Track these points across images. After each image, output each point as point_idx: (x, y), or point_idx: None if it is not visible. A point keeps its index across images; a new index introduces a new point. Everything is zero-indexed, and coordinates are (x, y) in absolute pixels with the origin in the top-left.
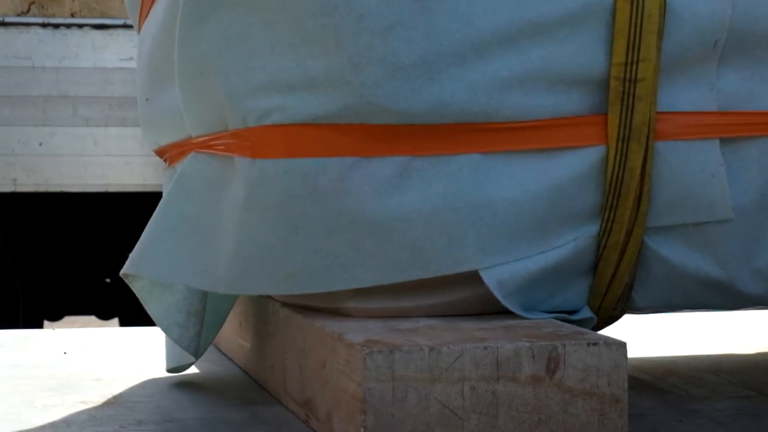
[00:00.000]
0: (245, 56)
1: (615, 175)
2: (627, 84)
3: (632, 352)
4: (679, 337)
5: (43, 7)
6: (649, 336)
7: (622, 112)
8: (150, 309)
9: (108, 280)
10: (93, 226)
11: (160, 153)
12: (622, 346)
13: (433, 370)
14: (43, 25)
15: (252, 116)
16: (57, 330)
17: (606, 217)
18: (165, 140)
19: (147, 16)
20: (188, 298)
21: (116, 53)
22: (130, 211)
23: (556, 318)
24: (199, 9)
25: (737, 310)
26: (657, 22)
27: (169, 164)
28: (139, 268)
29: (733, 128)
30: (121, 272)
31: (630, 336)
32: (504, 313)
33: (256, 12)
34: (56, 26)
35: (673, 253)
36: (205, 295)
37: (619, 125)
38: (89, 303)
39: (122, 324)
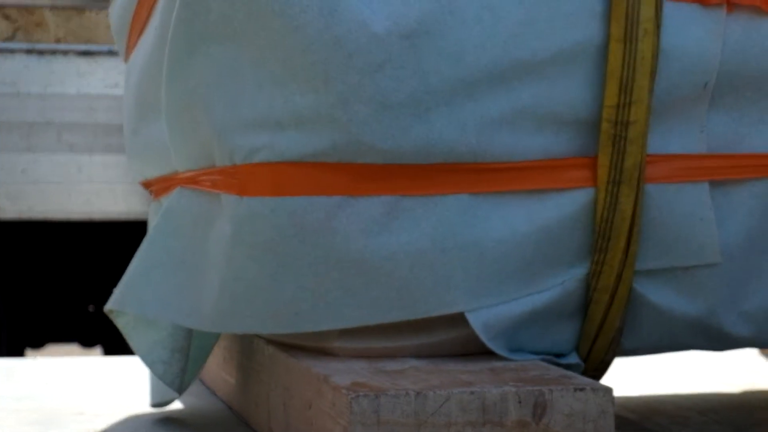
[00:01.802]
0: (233, 92)
1: (605, 218)
2: (618, 126)
3: (618, 391)
4: (665, 375)
5: (28, 33)
6: (634, 374)
7: (613, 155)
8: (134, 345)
9: (91, 308)
10: (76, 253)
11: (146, 185)
12: (608, 391)
13: (419, 415)
14: (28, 52)
15: (239, 153)
16: (39, 360)
17: (596, 259)
18: (151, 173)
19: (135, 46)
20: (173, 334)
21: (101, 80)
22: (114, 239)
23: (542, 359)
24: (188, 43)
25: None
26: (650, 64)
27: (155, 197)
28: (123, 304)
29: (723, 171)
30: (106, 308)
31: (616, 373)
32: (491, 353)
33: (244, 48)
34: (41, 52)
35: (660, 296)
36: (190, 331)
37: (610, 168)
38: (72, 331)
39: (105, 352)
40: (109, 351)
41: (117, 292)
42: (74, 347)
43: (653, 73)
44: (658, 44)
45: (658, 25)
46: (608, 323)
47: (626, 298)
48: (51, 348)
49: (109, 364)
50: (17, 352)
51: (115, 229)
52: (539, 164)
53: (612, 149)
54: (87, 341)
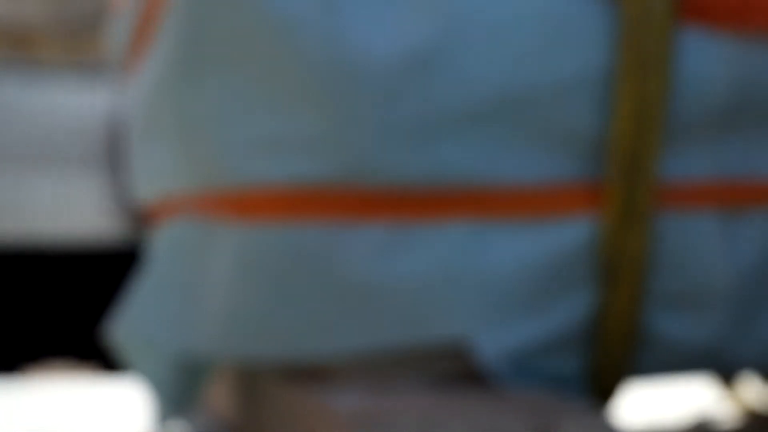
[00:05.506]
0: (235, 116)
1: (613, 257)
2: (628, 162)
3: (623, 419)
4: (671, 402)
5: (24, 54)
6: (638, 398)
7: (623, 192)
8: (135, 368)
9: (90, 328)
10: (75, 272)
11: (146, 210)
12: (613, 420)
13: None
14: (24, 72)
15: (242, 177)
16: (35, 378)
17: (603, 298)
18: (151, 197)
19: (134, 70)
20: (174, 359)
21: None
22: (113, 259)
23: (547, 389)
24: (189, 67)
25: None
26: (661, 98)
27: (156, 222)
28: (124, 329)
29: (733, 197)
30: (107, 331)
31: (621, 401)
32: (495, 382)
33: (247, 71)
34: (38, 73)
35: (667, 326)
36: (191, 356)
37: (619, 205)
38: (70, 350)
39: (104, 372)
40: (108, 371)
41: (118, 316)
42: (71, 366)
43: (664, 108)
44: (669, 78)
45: (669, 58)
46: (616, 361)
47: (634, 335)
48: (47, 366)
49: (108, 385)
50: (11, 369)
51: (119, 252)
52: (547, 190)
53: (621, 186)
54: (85, 360)
